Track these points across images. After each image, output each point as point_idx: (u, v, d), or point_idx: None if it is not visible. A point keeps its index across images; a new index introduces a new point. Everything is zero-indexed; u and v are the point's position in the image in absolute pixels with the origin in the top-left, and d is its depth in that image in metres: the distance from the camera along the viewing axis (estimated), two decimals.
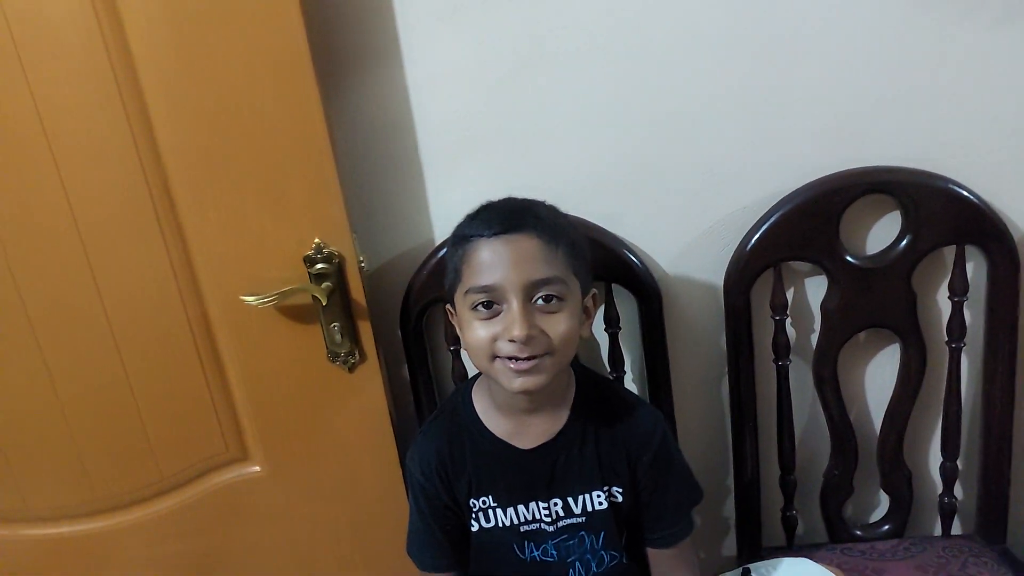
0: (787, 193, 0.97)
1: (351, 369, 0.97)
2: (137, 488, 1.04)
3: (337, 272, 0.92)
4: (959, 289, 0.98)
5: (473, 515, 0.85)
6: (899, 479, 1.07)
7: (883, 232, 1.00)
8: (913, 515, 1.10)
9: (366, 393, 0.99)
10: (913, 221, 0.96)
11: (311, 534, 1.07)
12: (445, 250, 0.83)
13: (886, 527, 1.10)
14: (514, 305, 0.74)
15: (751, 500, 1.09)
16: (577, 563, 0.85)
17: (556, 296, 0.75)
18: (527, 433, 0.84)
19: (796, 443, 1.07)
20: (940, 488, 1.08)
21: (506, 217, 0.76)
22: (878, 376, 1.08)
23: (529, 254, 0.75)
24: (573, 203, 0.99)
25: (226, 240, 0.92)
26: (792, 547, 1.10)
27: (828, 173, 0.96)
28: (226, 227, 0.91)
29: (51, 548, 1.07)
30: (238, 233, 0.91)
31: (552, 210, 0.82)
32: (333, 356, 0.96)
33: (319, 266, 0.91)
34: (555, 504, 0.84)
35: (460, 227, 0.80)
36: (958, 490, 1.09)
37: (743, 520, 1.10)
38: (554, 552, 0.85)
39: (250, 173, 0.89)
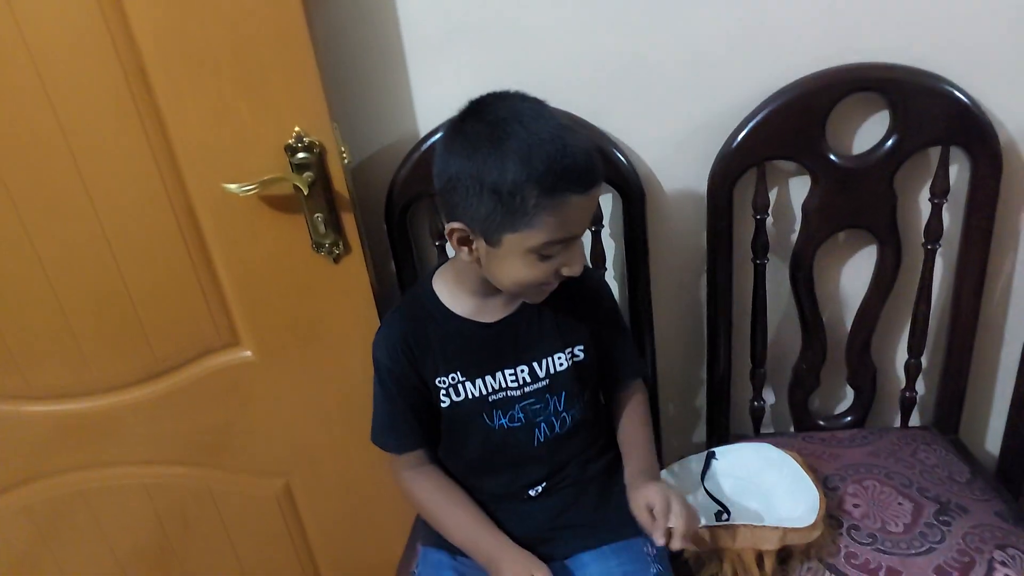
0: (775, 91, 0.95)
1: (336, 260, 0.99)
2: (133, 370, 1.08)
3: (318, 162, 0.92)
4: (940, 191, 0.99)
5: (443, 392, 0.88)
6: (864, 374, 1.12)
7: (870, 132, 0.99)
8: (875, 408, 1.16)
9: (351, 284, 1.01)
10: (901, 121, 0.95)
11: (302, 417, 1.12)
12: (486, 182, 0.73)
13: (848, 418, 1.16)
14: (577, 246, 0.79)
15: (722, 391, 1.14)
16: (543, 424, 0.90)
17: None
18: (489, 310, 0.88)
19: (768, 339, 1.11)
20: (903, 383, 1.13)
21: (588, 169, 0.74)
22: (853, 276, 1.10)
23: (596, 201, 0.80)
24: (561, 97, 0.97)
25: (206, 129, 0.91)
26: (758, 435, 1.17)
27: (817, 70, 0.94)
28: (206, 116, 0.90)
29: (54, 424, 1.12)
30: (218, 122, 0.90)
31: (579, 136, 0.77)
32: (318, 247, 0.97)
33: (300, 155, 0.91)
34: (521, 371, 0.88)
35: (544, 174, 0.72)
36: (919, 385, 1.14)
37: (713, 409, 1.16)
38: (521, 416, 0.89)
39: (228, 60, 0.87)
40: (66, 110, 0.89)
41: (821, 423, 1.16)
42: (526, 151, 0.71)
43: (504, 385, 0.89)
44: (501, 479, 0.92)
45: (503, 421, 0.89)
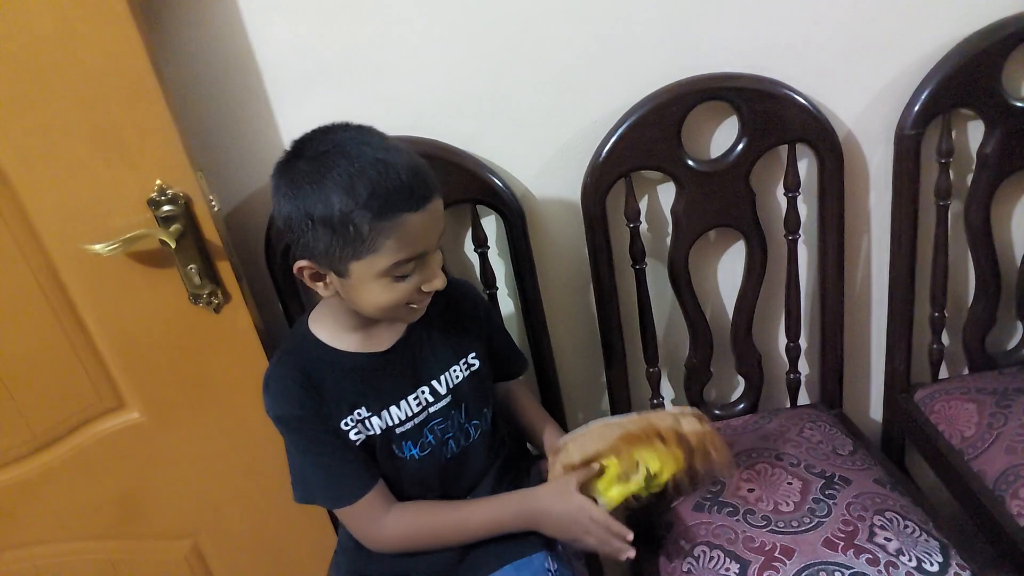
0: (631, 105, 1.00)
1: (216, 310, 0.97)
2: (11, 447, 1.02)
3: (185, 213, 0.90)
4: (792, 185, 1.06)
5: (354, 431, 0.86)
6: (750, 361, 1.18)
7: (723, 136, 1.05)
8: (766, 392, 1.22)
9: (235, 332, 0.99)
10: (748, 124, 1.02)
11: (202, 473, 1.09)
12: (315, 217, 0.74)
13: (742, 405, 1.22)
14: (432, 262, 0.79)
15: (621, 393, 1.18)
16: (451, 442, 0.91)
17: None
18: (376, 339, 0.87)
19: (658, 338, 1.16)
20: (787, 366, 1.20)
21: (419, 185, 0.74)
22: (728, 271, 1.16)
23: (439, 214, 0.78)
24: (431, 127, 1.00)
25: (61, 190, 0.88)
26: None
27: (669, 82, 1.00)
28: (58, 177, 0.87)
29: None
30: (73, 182, 0.87)
31: (412, 155, 0.79)
32: (195, 298, 0.95)
33: (165, 208, 0.89)
34: (423, 392, 0.89)
35: (369, 199, 0.72)
36: (803, 366, 1.22)
37: (616, 411, 1.20)
38: (431, 439, 0.89)
39: (75, 120, 0.84)
40: None
41: (718, 412, 1.22)
42: (347, 180, 0.72)
43: (410, 413, 0.88)
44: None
45: (414, 451, 0.89)
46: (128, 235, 0.88)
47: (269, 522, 1.14)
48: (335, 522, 1.14)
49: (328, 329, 0.88)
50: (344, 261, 0.76)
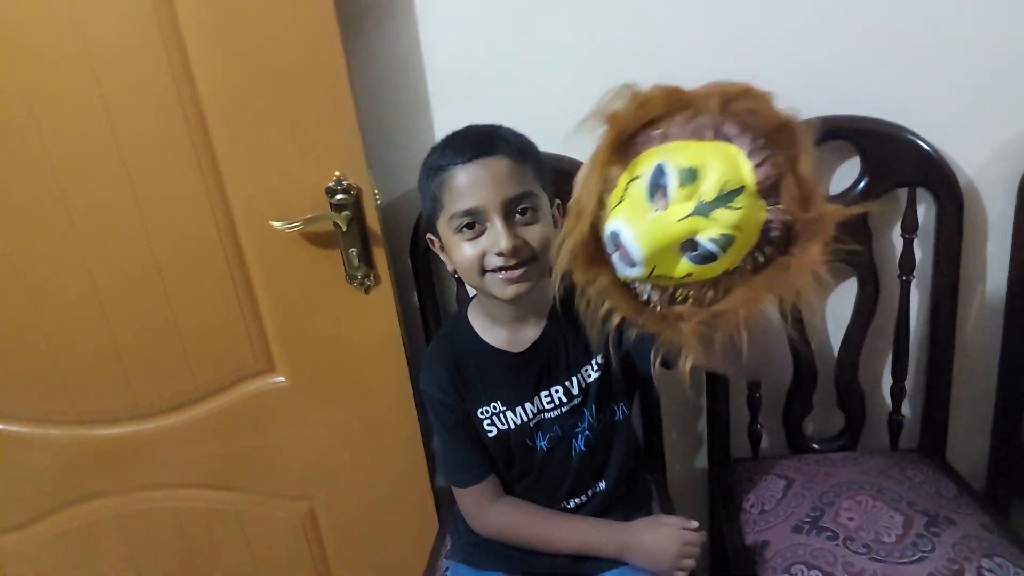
0: None
1: (367, 291, 1.09)
2: (174, 396, 1.17)
3: (355, 203, 1.03)
4: (910, 228, 1.09)
5: (487, 422, 0.93)
6: (853, 399, 1.20)
7: (844, 175, 1.11)
8: (866, 431, 1.23)
9: (380, 312, 1.11)
10: (871, 166, 1.07)
11: (329, 438, 1.20)
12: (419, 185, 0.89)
13: (840, 441, 1.23)
14: (497, 222, 0.82)
15: (721, 416, 1.22)
16: (579, 436, 0.95)
17: (531, 208, 0.84)
18: (518, 339, 0.94)
19: None
20: (891, 407, 1.21)
21: (476, 142, 0.84)
22: (838, 306, 1.20)
23: (503, 174, 0.82)
24: (569, 142, 1.10)
25: (255, 172, 1.03)
26: (757, 457, 1.24)
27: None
28: (255, 160, 1.02)
29: (95, 448, 1.20)
30: (266, 166, 1.02)
31: (514, 132, 0.89)
32: (351, 278, 1.08)
33: (339, 197, 1.02)
34: (556, 391, 0.93)
35: (431, 158, 0.87)
36: (906, 409, 1.22)
37: (714, 435, 1.24)
38: (559, 431, 0.94)
39: (277, 111, 1.00)
40: (132, 154, 1.01)
41: (815, 446, 1.24)
42: (441, 144, 0.87)
43: (542, 407, 0.94)
44: (540, 494, 0.97)
45: (543, 443, 0.95)
46: (307, 216, 1.02)
47: (379, 496, 1.23)
48: (439, 508, 1.23)
49: (479, 320, 0.96)
50: (433, 222, 0.88)
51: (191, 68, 0.97)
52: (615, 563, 0.94)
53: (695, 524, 0.90)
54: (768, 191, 0.50)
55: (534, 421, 0.94)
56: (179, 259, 1.08)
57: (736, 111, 0.51)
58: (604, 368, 0.94)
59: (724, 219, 0.49)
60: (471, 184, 0.83)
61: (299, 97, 0.99)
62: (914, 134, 1.05)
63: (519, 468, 0.96)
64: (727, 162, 0.49)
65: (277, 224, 1.02)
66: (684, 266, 0.51)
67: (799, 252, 0.50)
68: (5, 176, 1.02)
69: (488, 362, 0.94)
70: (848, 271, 1.15)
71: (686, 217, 0.49)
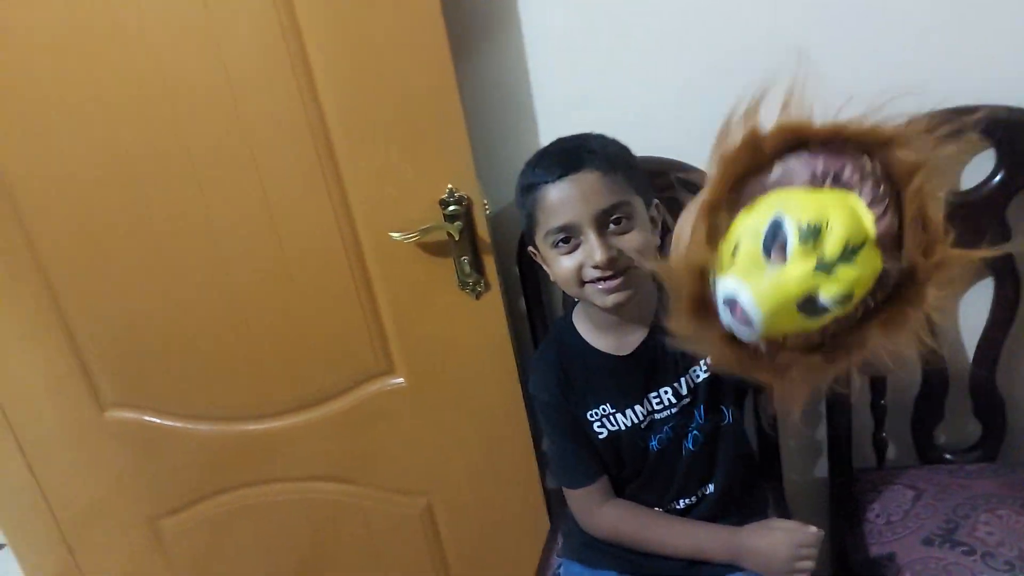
0: None
1: (478, 297, 1.14)
2: (304, 395, 1.26)
3: (466, 213, 1.08)
4: None
5: (597, 424, 0.96)
6: (991, 407, 1.12)
7: (977, 169, 1.03)
8: (1008, 443, 1.14)
9: (490, 317, 1.15)
10: (1007, 158, 1.00)
11: (444, 438, 1.26)
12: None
13: (977, 452, 1.15)
14: (591, 236, 0.84)
15: (842, 424, 1.17)
16: (690, 436, 0.95)
17: (624, 217, 0.85)
18: (624, 343, 0.95)
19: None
20: None
21: (564, 159, 0.86)
22: (972, 308, 1.12)
23: (592, 188, 0.84)
24: (672, 153, 1.10)
25: (375, 186, 1.10)
26: (881, 467, 1.18)
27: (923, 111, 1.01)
28: (375, 175, 1.09)
29: (234, 442, 1.32)
30: (385, 180, 1.09)
31: (602, 139, 0.91)
32: (463, 284, 1.13)
33: (451, 208, 1.07)
34: (665, 392, 0.94)
35: (523, 177, 0.90)
36: None
37: (835, 443, 1.19)
38: (670, 432, 0.95)
39: (394, 130, 1.06)
40: (267, 171, 1.10)
41: (948, 456, 1.16)
42: (532, 161, 0.90)
43: (652, 409, 0.95)
44: (651, 495, 0.98)
45: (653, 443, 0.96)
46: (423, 227, 1.08)
47: (492, 494, 1.28)
48: (550, 508, 1.26)
49: (584, 324, 0.99)
50: (531, 238, 0.91)
51: (317, 92, 1.05)
52: (730, 567, 0.93)
53: (813, 529, 0.87)
54: (889, 242, 0.48)
55: (645, 423, 0.95)
56: (308, 269, 1.16)
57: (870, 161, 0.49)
58: (713, 369, 0.94)
59: (845, 276, 0.47)
60: (562, 201, 0.86)
61: (414, 116, 1.05)
62: None
63: (630, 469, 0.97)
64: (849, 216, 0.47)
65: (396, 235, 1.08)
66: (799, 322, 0.50)
67: (915, 297, 0.50)
68: (158, 195, 1.14)
69: (595, 365, 0.96)
70: (984, 271, 1.08)
71: (807, 275, 0.47)
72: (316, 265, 1.16)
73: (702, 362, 0.94)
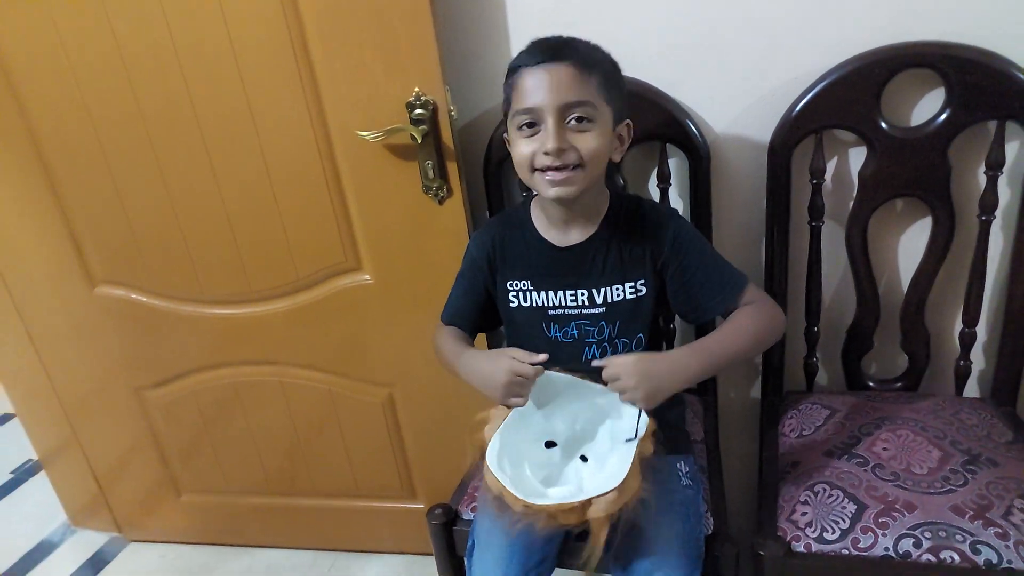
0: (834, 64, 1.05)
1: (440, 202, 1.20)
2: (281, 284, 1.35)
3: (431, 117, 1.13)
4: (995, 163, 1.04)
5: (512, 294, 1.03)
6: (918, 340, 1.18)
7: (926, 106, 1.06)
8: (931, 376, 1.21)
9: (452, 223, 1.21)
10: (956, 96, 1.02)
11: (406, 335, 1.35)
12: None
13: (901, 383, 1.22)
14: (549, 123, 0.88)
15: (775, 348, 1.24)
16: (594, 346, 1.02)
17: (586, 118, 0.89)
18: (564, 239, 1.01)
19: (824, 301, 1.20)
20: (959, 353, 1.17)
21: (547, 48, 0.90)
22: (909, 244, 1.16)
23: (564, 80, 0.88)
24: (641, 69, 1.13)
25: (348, 85, 1.15)
26: (810, 391, 1.26)
27: (875, 47, 1.03)
28: (348, 75, 1.14)
29: (221, 324, 1.42)
30: (357, 80, 1.14)
31: (589, 44, 0.93)
32: (426, 189, 1.19)
33: (417, 111, 1.12)
34: (581, 294, 0.99)
35: (512, 60, 0.94)
36: (977, 358, 1.18)
37: (768, 365, 1.26)
38: (574, 333, 1.01)
39: (368, 32, 1.10)
40: (248, 73, 1.16)
41: (872, 384, 1.23)
42: (525, 48, 0.93)
43: (564, 303, 1.01)
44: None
45: (558, 334, 1.03)
46: (389, 127, 1.13)
47: (447, 388, 1.37)
48: None
49: (536, 211, 1.03)
50: (506, 118, 0.95)
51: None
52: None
53: (540, 357, 0.92)
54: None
55: (553, 312, 1.01)
56: (284, 164, 1.23)
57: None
58: (638, 294, 0.99)
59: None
60: (534, 86, 0.90)
61: (387, 18, 1.09)
62: (1007, 62, 0.99)
63: (529, 349, 1.00)
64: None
65: (364, 134, 1.14)
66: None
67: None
68: (151, 90, 1.21)
69: (531, 245, 1.02)
70: (923, 207, 1.11)
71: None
72: (292, 161, 1.23)
73: (628, 284, 0.99)
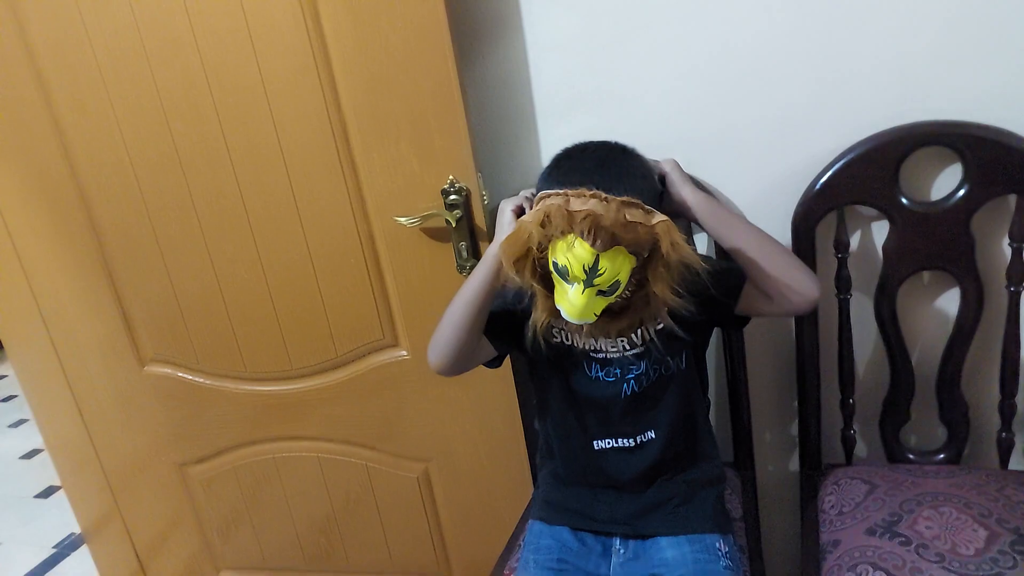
0: (852, 143, 1.09)
1: None
2: (320, 361, 1.40)
3: (465, 202, 1.19)
4: (1018, 235, 1.05)
5: (556, 329, 1.02)
6: (956, 411, 1.16)
7: (945, 181, 1.09)
8: (971, 448, 1.19)
9: None
10: (972, 172, 1.05)
11: (442, 409, 1.38)
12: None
13: (942, 455, 1.20)
14: None
15: (811, 420, 1.23)
16: (632, 380, 1.02)
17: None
18: None
19: (857, 374, 1.20)
20: (999, 424, 1.16)
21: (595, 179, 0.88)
22: (939, 315, 1.17)
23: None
24: (663, 153, 1.18)
25: (386, 176, 1.22)
26: (850, 464, 1.24)
27: (893, 125, 1.07)
28: (386, 166, 1.21)
29: (261, 401, 1.47)
30: (394, 171, 1.21)
31: (632, 171, 0.96)
32: (461, 268, 1.24)
33: (451, 197, 1.18)
34: (621, 341, 1.01)
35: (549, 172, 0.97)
36: (1018, 428, 1.16)
37: (805, 438, 1.25)
38: (617, 371, 1.02)
39: (403, 126, 1.18)
40: (293, 161, 1.25)
41: (912, 457, 1.21)
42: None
43: (606, 347, 1.02)
44: (582, 426, 1.05)
45: (600, 373, 1.03)
46: (425, 213, 1.20)
47: (485, 462, 1.39)
48: (534, 476, 1.36)
49: None
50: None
51: (338, 92, 1.19)
52: (674, 527, 1.02)
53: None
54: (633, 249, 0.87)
55: (596, 353, 1.02)
56: (326, 249, 1.30)
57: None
58: (660, 327, 0.99)
59: (603, 279, 0.87)
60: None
61: (421, 113, 1.17)
62: (1020, 138, 1.02)
63: (568, 387, 1.04)
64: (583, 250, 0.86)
65: (401, 220, 1.21)
66: (600, 301, 0.90)
67: (655, 280, 0.89)
68: (201, 179, 1.30)
69: None
70: (950, 280, 1.12)
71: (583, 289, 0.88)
72: (333, 246, 1.29)
73: (658, 319, 0.97)
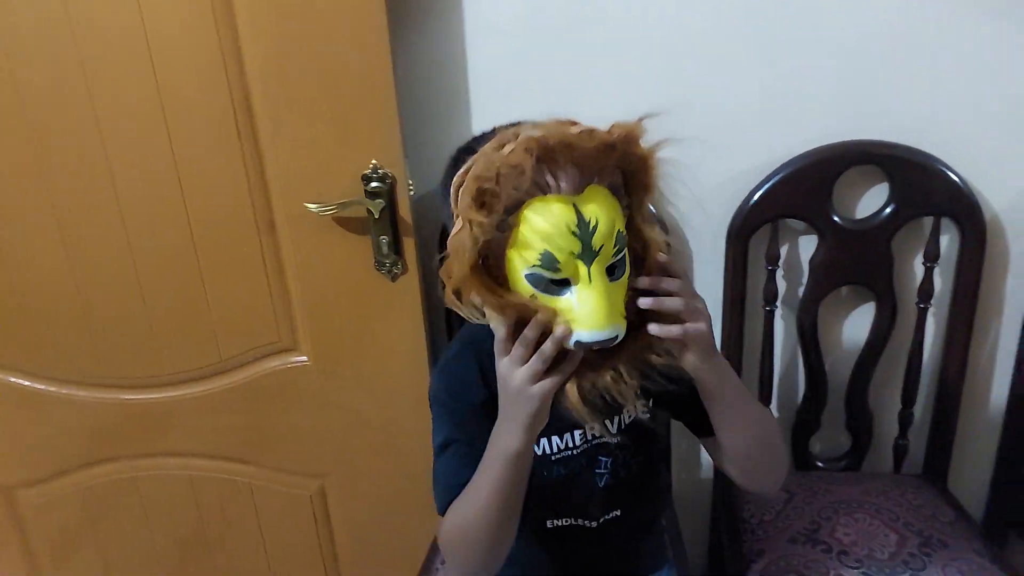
0: (789, 158, 1.09)
1: (394, 279, 1.12)
2: (199, 366, 1.20)
3: (389, 191, 1.05)
4: (932, 256, 1.11)
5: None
6: (862, 421, 1.22)
7: (872, 200, 1.12)
8: (872, 454, 1.25)
9: (405, 301, 1.13)
10: (899, 192, 1.09)
11: (346, 421, 1.23)
12: None
13: (845, 462, 1.25)
14: None
15: None
16: (607, 474, 0.87)
17: None
18: None
19: (775, 381, 1.22)
20: (897, 432, 1.23)
21: None
22: (854, 328, 1.21)
23: None
24: None
25: (295, 154, 1.05)
26: None
27: (827, 143, 1.08)
28: (296, 143, 1.05)
29: (120, 411, 1.24)
30: (307, 152, 1.05)
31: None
32: (379, 265, 1.10)
33: (373, 184, 1.04)
34: (590, 428, 0.85)
35: None
36: (912, 434, 1.24)
37: None
38: (584, 462, 0.87)
39: (320, 96, 1.02)
40: (177, 128, 1.04)
41: (820, 464, 1.26)
42: None
43: (570, 445, 0.86)
44: (548, 510, 0.89)
45: (563, 472, 0.87)
46: (342, 200, 1.04)
47: (391, 477, 1.26)
48: None
49: None
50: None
51: (240, 48, 1.00)
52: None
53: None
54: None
55: (557, 456, 0.86)
56: (214, 234, 1.10)
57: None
58: (645, 416, 0.87)
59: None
60: None
61: (344, 85, 1.01)
62: (945, 165, 1.07)
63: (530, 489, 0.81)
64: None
65: (312, 207, 1.05)
66: None
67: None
68: (56, 142, 1.05)
69: None
70: (868, 294, 1.17)
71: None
72: (223, 231, 1.10)
73: (639, 404, 0.80)
